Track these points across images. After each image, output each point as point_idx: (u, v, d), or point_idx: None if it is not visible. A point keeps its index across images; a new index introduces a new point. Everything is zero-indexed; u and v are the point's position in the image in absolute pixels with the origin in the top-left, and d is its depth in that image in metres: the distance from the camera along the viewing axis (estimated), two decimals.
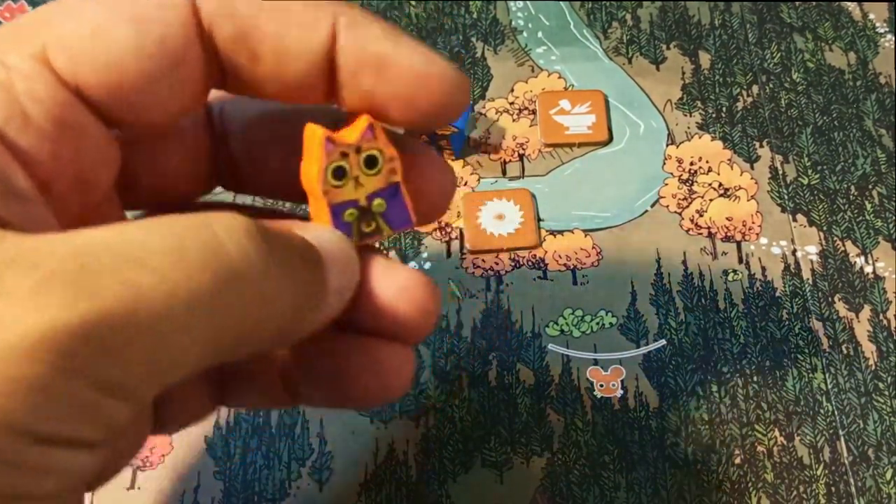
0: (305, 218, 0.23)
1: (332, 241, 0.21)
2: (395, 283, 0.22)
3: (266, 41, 0.20)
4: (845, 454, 0.33)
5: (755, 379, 0.35)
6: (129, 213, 0.24)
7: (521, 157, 0.40)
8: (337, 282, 0.21)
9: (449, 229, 0.38)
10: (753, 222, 0.38)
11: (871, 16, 0.44)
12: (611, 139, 0.41)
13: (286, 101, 0.22)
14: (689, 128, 0.41)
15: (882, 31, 0.44)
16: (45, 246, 0.16)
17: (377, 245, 0.27)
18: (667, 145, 0.40)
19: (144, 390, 0.17)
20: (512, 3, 0.44)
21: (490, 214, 0.38)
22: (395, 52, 0.20)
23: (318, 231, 0.21)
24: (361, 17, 0.20)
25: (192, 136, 0.24)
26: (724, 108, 0.41)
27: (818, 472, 0.33)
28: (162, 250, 0.16)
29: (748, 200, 0.39)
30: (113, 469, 0.23)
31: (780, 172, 0.40)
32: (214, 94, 0.22)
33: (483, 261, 0.37)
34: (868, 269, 0.37)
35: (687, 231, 0.38)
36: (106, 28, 0.19)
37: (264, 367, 0.25)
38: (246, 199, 0.34)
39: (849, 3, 0.44)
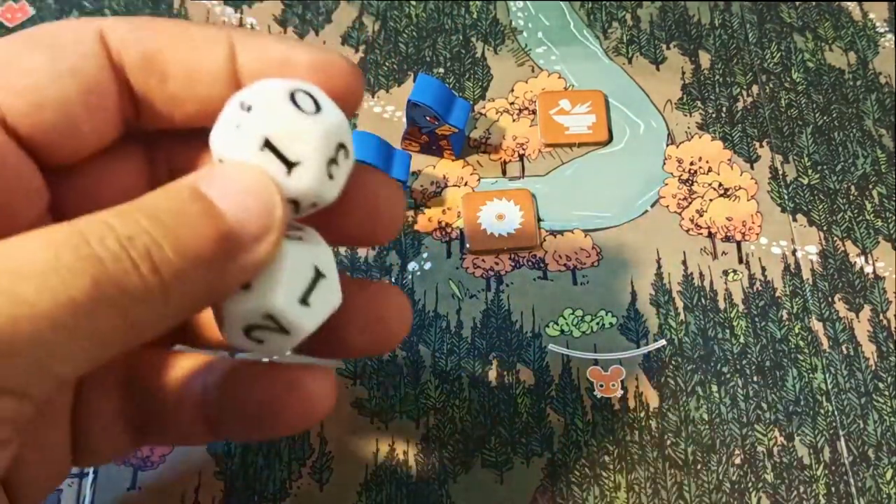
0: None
1: (239, 179, 0.20)
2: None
3: (172, 63, 0.21)
4: (845, 454, 0.34)
5: (755, 379, 0.35)
6: None
7: (521, 157, 0.40)
8: (251, 225, 0.20)
9: (449, 229, 0.38)
10: (753, 222, 0.38)
11: (871, 16, 0.44)
12: (611, 139, 0.41)
13: (198, 123, 0.22)
14: (689, 128, 0.41)
15: (882, 30, 0.44)
16: None
17: None
18: (667, 145, 0.40)
19: (36, 389, 0.17)
20: (512, 3, 0.44)
21: (490, 214, 0.38)
22: (293, 52, 0.22)
23: (219, 172, 0.20)
24: (254, 33, 0.22)
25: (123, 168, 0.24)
26: (724, 108, 0.41)
27: (818, 472, 0.33)
28: (39, 260, 0.17)
29: (748, 200, 0.39)
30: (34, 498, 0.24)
31: (780, 172, 0.40)
32: None
33: (483, 261, 0.37)
34: (868, 269, 0.37)
35: (687, 231, 0.38)
36: (23, 56, 0.20)
37: (182, 406, 0.25)
38: None
39: (849, 3, 0.44)
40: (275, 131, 0.21)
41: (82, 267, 0.17)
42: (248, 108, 0.21)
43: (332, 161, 0.22)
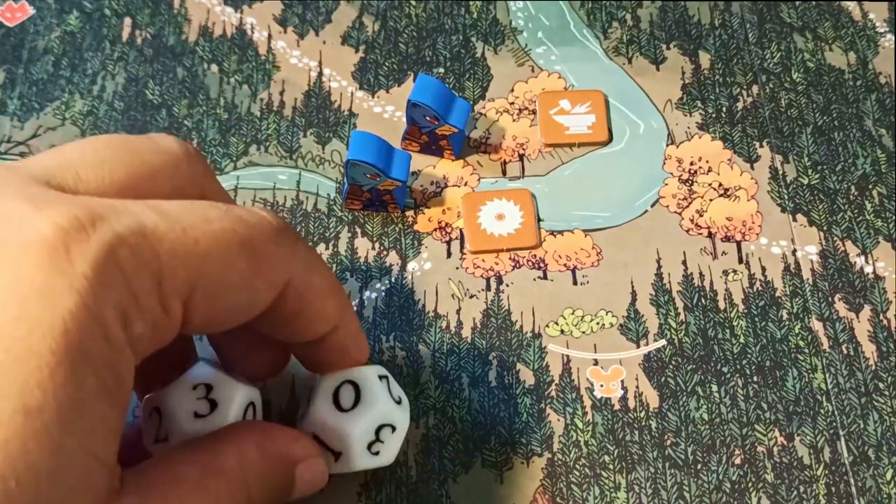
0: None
1: (313, 468, 0.28)
2: None
3: (314, 308, 0.27)
4: (845, 454, 0.33)
5: (755, 379, 0.35)
6: None
7: (521, 157, 0.40)
8: (301, 489, 0.28)
9: (449, 229, 0.38)
10: (753, 222, 0.38)
11: (871, 16, 0.44)
12: (611, 139, 0.41)
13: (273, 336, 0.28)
14: (689, 128, 0.41)
15: (882, 30, 0.44)
16: None
17: None
18: (667, 145, 0.40)
19: None
20: (512, 3, 0.44)
21: (490, 214, 0.38)
22: (356, 349, 0.29)
23: (309, 458, 0.28)
24: (355, 320, 0.29)
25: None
26: (724, 108, 0.41)
27: (818, 472, 0.33)
28: None
29: (748, 200, 0.39)
30: None
31: (780, 172, 0.40)
32: None
33: (483, 261, 0.37)
34: (868, 269, 0.37)
35: (687, 231, 0.38)
36: (236, 262, 0.24)
37: None
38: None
39: (849, 3, 0.44)
40: (318, 430, 0.28)
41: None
42: (308, 401, 0.29)
43: (375, 441, 0.29)
